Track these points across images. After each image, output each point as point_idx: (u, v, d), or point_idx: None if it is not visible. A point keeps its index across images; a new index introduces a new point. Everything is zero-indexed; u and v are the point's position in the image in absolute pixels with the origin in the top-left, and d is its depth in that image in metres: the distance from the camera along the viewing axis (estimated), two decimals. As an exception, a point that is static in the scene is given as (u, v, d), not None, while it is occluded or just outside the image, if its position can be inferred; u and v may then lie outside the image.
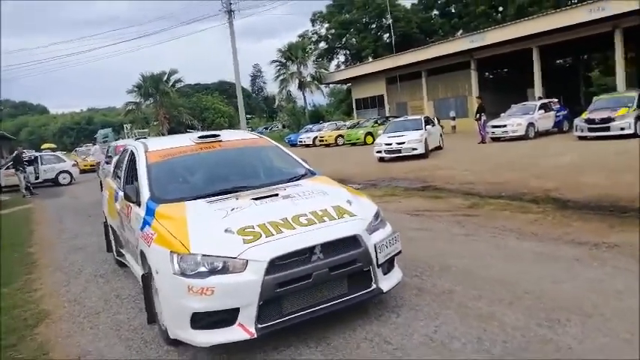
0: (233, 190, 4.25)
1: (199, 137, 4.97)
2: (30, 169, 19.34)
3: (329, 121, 37.06)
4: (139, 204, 4.28)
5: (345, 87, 45.12)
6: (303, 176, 4.71)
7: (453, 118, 27.74)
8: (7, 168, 19.47)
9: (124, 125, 44.06)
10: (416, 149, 16.12)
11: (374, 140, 20.87)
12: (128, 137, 35.25)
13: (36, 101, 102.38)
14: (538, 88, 24.61)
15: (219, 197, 4.09)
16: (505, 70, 34.90)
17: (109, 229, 6.21)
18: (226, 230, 3.45)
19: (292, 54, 39.87)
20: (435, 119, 20.55)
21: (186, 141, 5.02)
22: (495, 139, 19.46)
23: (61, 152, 33.06)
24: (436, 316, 3.78)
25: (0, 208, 14.30)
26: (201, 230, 3.52)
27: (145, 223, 3.95)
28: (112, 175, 6.34)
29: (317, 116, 42.30)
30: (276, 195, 4.05)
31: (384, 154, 16.81)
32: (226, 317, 3.27)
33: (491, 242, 5.72)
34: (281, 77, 40.40)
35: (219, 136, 5.05)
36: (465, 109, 28.91)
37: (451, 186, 10.27)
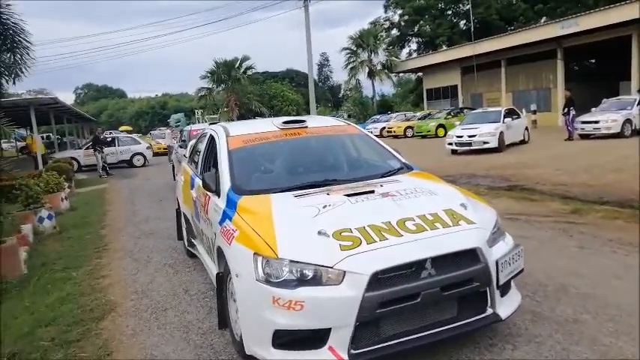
0: (322, 184, 3.72)
1: (284, 122, 4.46)
2: (108, 149, 20.02)
3: (397, 111, 35.93)
4: (218, 194, 3.85)
5: (414, 77, 43.63)
6: (398, 170, 4.09)
7: (534, 112, 25.79)
8: (87, 148, 20.27)
9: (195, 111, 45.13)
10: (487, 143, 15.19)
11: (446, 133, 19.80)
12: (199, 122, 36.00)
13: (115, 85, 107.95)
14: (635, 81, 22.25)
15: (308, 191, 3.56)
16: (592, 60, 32.14)
17: (182, 216, 5.90)
18: (320, 232, 2.89)
19: (364, 41, 38.88)
20: (523, 111, 19.07)
21: (269, 126, 4.53)
22: (584, 136, 17.76)
23: (136, 134, 34.38)
24: (565, 354, 3.04)
25: (77, 187, 14.74)
26: (291, 230, 3.00)
27: (225, 216, 3.50)
28: (187, 160, 6.02)
29: (386, 106, 41.16)
30: (372, 192, 3.45)
31: (455, 147, 16.01)
32: (315, 337, 2.73)
33: (612, 258, 4.81)
34: (351, 65, 39.62)
35: (304, 121, 4.52)
36: (548, 103, 26.88)
37: (542, 187, 9.22)
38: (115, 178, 17.35)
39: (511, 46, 26.45)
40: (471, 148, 15.33)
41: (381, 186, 3.60)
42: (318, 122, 4.75)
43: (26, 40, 8.84)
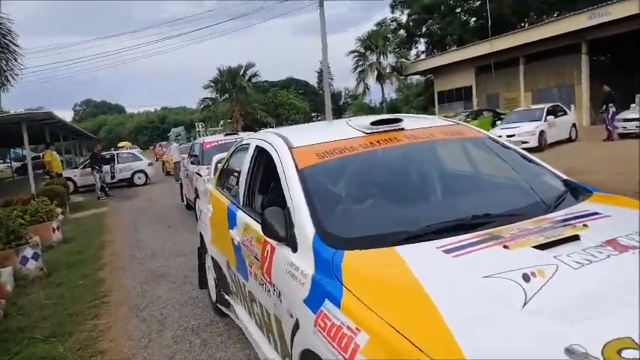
0: (471, 223, 2.15)
1: (372, 123, 2.86)
2: (106, 168, 18.41)
3: (407, 116, 34.04)
4: (292, 245, 2.29)
5: (422, 79, 42.09)
6: (573, 194, 2.51)
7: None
8: (84, 167, 18.65)
9: (196, 124, 43.47)
10: (527, 142, 13.94)
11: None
12: (200, 136, 34.44)
13: (114, 101, 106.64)
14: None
15: (458, 239, 1.98)
16: (615, 53, 30.51)
17: (209, 260, 4.28)
18: (571, 351, 1.31)
19: (372, 42, 37.18)
20: (572, 107, 17.58)
21: (345, 129, 2.94)
22: (623, 136, 16.20)
23: (137, 150, 32.79)
24: None
25: (72, 211, 13.13)
26: (492, 341, 1.42)
27: (321, 292, 1.92)
28: (215, 183, 4.41)
29: (395, 111, 39.49)
30: (577, 238, 1.89)
31: None
32: None
33: None
34: (360, 69, 37.94)
35: (400, 120, 2.92)
36: (572, 100, 25.25)
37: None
38: (115, 199, 15.73)
39: (530, 41, 24.92)
40: (510, 149, 13.97)
41: (585, 226, 2.02)
42: (416, 122, 3.14)
43: (14, 43, 7.32)
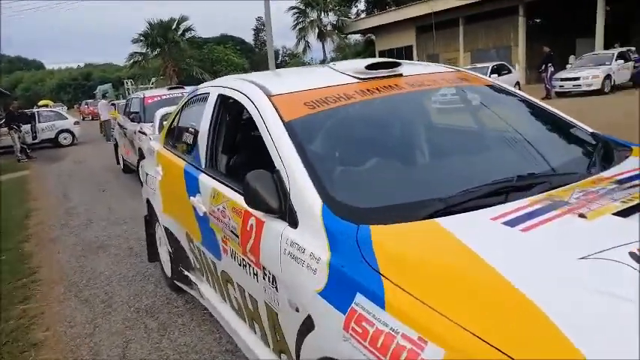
0: (518, 186, 1.74)
1: (368, 67, 2.33)
2: (26, 127, 16.61)
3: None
4: (290, 220, 1.78)
5: (362, 39, 41.57)
6: (614, 149, 2.16)
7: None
8: (0, 127, 16.73)
9: (125, 81, 40.66)
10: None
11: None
12: (129, 94, 32.19)
13: (31, 56, 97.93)
14: (600, 37, 21.55)
15: (512, 206, 1.58)
16: (550, 17, 31.39)
17: (162, 231, 3.66)
18: None
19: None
20: (516, 66, 18.15)
21: (332, 75, 2.41)
22: (561, 94, 16.80)
23: (61, 107, 30.17)
24: None
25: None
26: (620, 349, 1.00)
27: (351, 285, 1.42)
28: (164, 141, 3.74)
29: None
30: None
31: None
32: None
33: None
34: (299, 26, 36.68)
35: (398, 64, 2.44)
36: (509, 61, 25.86)
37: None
38: (39, 162, 14.26)
39: (470, 2, 25.00)
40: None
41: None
42: (414, 68, 2.66)
43: None
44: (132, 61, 35.90)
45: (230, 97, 2.55)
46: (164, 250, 3.78)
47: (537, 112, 2.49)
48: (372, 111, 2.26)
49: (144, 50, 34.91)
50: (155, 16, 34.41)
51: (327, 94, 2.18)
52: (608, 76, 16.45)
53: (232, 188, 2.26)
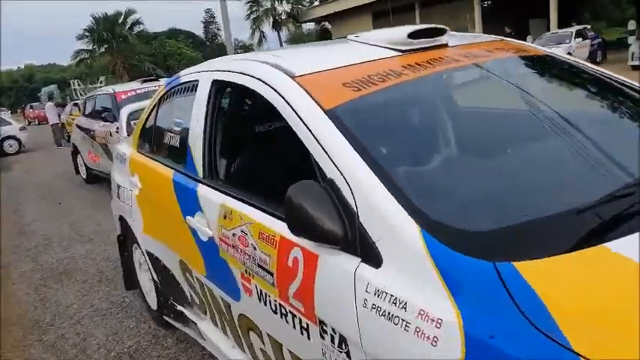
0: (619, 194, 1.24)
1: (410, 35, 1.81)
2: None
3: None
4: (367, 254, 1.23)
5: (317, 27, 41.02)
6: None
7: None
8: None
9: (71, 81, 38.53)
10: None
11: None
12: (77, 95, 30.49)
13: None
14: (554, 17, 21.88)
15: None
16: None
17: (143, 255, 3.05)
18: None
19: (266, -14, 35.13)
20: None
21: (361, 48, 1.92)
22: (523, 74, 16.96)
23: (5, 112, 28.21)
24: None
25: None
26: None
27: None
28: (136, 145, 3.11)
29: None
30: None
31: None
32: None
33: None
34: (253, 16, 35.65)
35: (444, 32, 1.94)
36: (466, 44, 26.10)
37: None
38: (-18, 173, 13.05)
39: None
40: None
41: None
42: (458, 38, 2.18)
43: None
44: (78, 59, 33.92)
45: (231, 83, 2.01)
46: (146, 277, 3.19)
47: (617, 88, 2.04)
48: (436, 91, 1.77)
49: (90, 47, 33.05)
50: (97, 12, 32.44)
51: (368, 72, 1.67)
52: (568, 54, 16.48)
53: (256, 206, 1.73)
